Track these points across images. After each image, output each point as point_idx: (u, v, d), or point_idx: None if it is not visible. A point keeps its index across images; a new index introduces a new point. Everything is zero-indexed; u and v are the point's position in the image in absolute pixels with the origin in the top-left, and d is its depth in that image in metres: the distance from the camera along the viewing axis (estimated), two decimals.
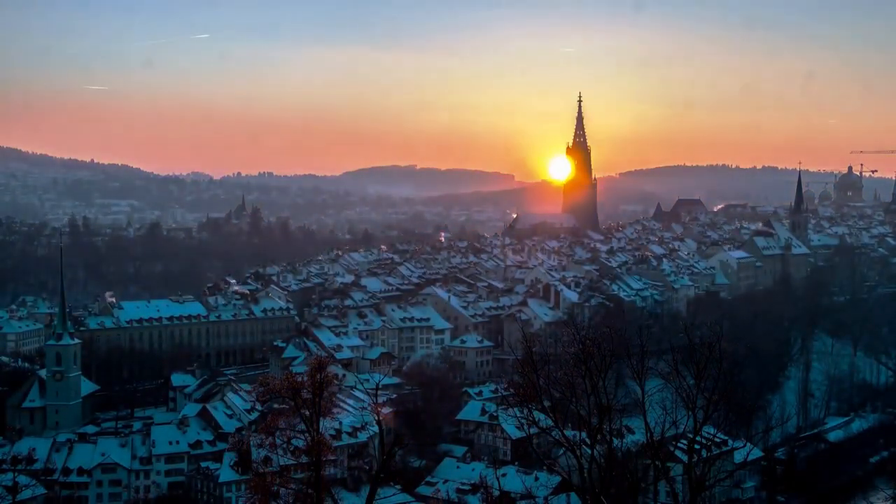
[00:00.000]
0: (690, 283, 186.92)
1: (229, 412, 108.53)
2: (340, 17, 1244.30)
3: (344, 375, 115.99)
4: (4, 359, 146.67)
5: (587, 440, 36.49)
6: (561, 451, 78.77)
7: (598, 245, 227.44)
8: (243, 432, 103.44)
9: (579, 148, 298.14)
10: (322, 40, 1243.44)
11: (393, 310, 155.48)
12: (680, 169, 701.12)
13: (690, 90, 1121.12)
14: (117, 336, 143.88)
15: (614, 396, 37.85)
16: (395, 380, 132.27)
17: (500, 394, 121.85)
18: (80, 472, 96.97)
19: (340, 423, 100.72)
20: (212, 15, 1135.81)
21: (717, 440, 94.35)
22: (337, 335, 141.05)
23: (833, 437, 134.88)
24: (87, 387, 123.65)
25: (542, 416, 40.01)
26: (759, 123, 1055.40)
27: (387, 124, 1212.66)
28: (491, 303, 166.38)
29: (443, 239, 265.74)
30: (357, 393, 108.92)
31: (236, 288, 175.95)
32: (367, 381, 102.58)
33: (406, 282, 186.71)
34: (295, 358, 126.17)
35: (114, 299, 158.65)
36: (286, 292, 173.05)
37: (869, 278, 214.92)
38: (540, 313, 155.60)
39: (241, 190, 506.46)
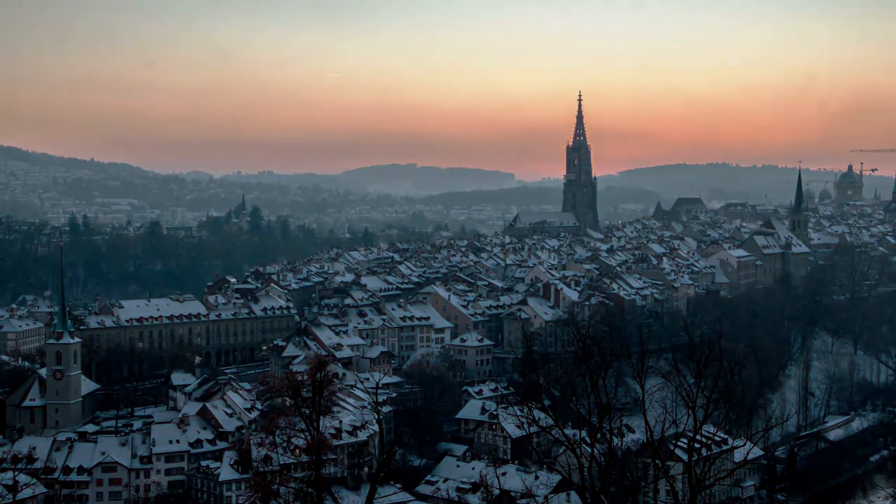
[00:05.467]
0: (690, 282, 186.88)
1: (229, 411, 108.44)
2: (339, 16, 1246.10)
3: (344, 374, 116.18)
4: (4, 358, 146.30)
5: (587, 439, 36.53)
6: (561, 450, 78.88)
7: (598, 244, 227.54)
8: (243, 431, 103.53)
9: (579, 146, 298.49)
10: (322, 35, 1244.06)
11: (393, 308, 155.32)
12: (680, 167, 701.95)
13: (691, 88, 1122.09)
14: (117, 335, 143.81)
15: (614, 395, 37.88)
16: (396, 379, 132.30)
17: (500, 392, 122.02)
18: (81, 470, 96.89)
19: (340, 421, 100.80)
20: (212, 12, 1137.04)
21: (717, 439, 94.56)
22: (337, 334, 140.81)
23: (833, 435, 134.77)
24: (88, 386, 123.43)
25: (542, 415, 40.07)
26: (760, 122, 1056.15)
27: (387, 123, 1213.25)
28: (491, 301, 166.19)
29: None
30: (357, 392, 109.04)
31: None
32: (368, 379, 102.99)
33: (406, 280, 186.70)
34: (295, 357, 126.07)
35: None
36: (286, 291, 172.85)
37: (869, 277, 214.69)
38: (540, 312, 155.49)
39: (241, 189, 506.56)
